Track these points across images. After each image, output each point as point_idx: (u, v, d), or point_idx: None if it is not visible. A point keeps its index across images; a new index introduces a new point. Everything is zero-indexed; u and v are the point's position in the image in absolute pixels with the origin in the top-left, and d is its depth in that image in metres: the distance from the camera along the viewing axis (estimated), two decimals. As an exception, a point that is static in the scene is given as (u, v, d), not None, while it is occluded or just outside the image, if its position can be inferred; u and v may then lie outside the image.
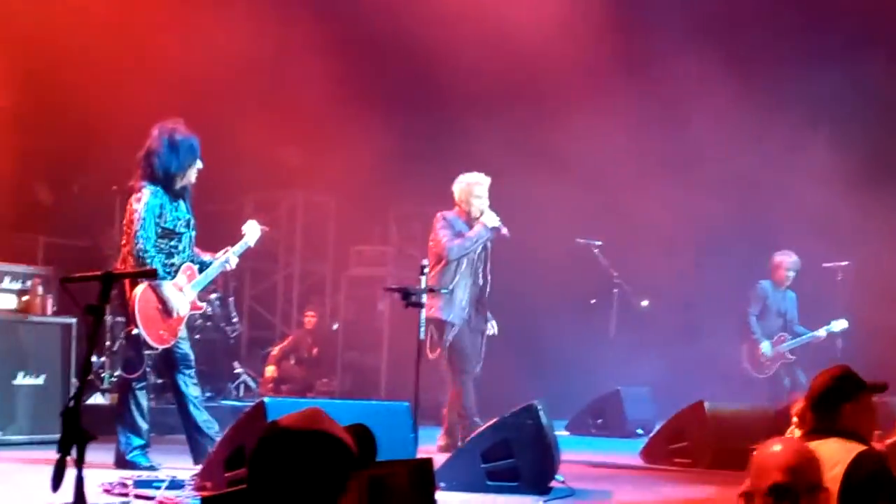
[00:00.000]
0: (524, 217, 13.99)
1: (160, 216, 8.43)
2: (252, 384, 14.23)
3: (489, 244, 10.58)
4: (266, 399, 7.31)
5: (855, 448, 4.52)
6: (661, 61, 13.61)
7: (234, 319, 13.79)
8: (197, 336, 12.36)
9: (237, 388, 14.05)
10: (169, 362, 8.70)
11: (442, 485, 7.72)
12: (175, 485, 7.29)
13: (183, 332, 8.71)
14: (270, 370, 14.42)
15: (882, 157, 13.39)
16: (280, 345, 14.86)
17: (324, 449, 2.97)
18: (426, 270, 8.72)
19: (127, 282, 8.35)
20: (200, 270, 8.81)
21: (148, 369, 8.78)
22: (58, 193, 13.61)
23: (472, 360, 10.48)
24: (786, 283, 13.15)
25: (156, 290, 8.43)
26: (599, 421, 12.79)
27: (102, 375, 11.93)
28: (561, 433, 10.57)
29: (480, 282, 10.53)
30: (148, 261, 8.26)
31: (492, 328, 10.73)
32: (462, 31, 13.20)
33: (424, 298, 8.54)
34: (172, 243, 8.55)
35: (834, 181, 13.03)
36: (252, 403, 8.13)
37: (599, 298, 13.95)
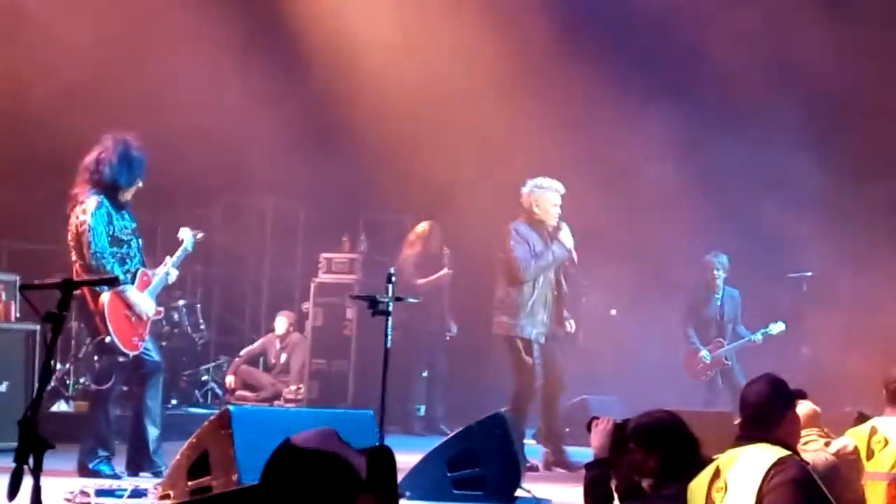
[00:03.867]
0: (491, 224, 14.04)
1: (109, 224, 8.37)
2: (219, 391, 14.19)
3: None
4: (231, 407, 7.28)
5: (777, 452, 4.68)
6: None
7: (202, 326, 13.73)
8: (164, 343, 12.32)
9: (204, 395, 14.00)
10: (140, 372, 8.64)
11: (407, 493, 7.71)
12: (137, 493, 7.26)
13: (151, 339, 8.68)
14: (230, 380, 14.37)
15: (849, 170, 13.46)
16: (247, 348, 14.82)
17: (329, 470, 3.06)
18: (394, 279, 8.67)
19: (88, 292, 8.30)
20: None
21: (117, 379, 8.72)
22: (22, 197, 13.52)
23: (539, 374, 10.16)
24: (718, 284, 13.21)
25: (121, 296, 8.38)
26: (567, 430, 12.76)
27: (67, 383, 11.87)
28: (528, 442, 10.57)
29: (557, 292, 10.26)
30: (108, 268, 8.21)
31: (570, 326, 10.45)
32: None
33: (391, 307, 8.50)
34: (123, 250, 8.49)
35: (796, 194, 13.16)
36: (218, 411, 8.11)
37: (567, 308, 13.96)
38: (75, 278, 8.29)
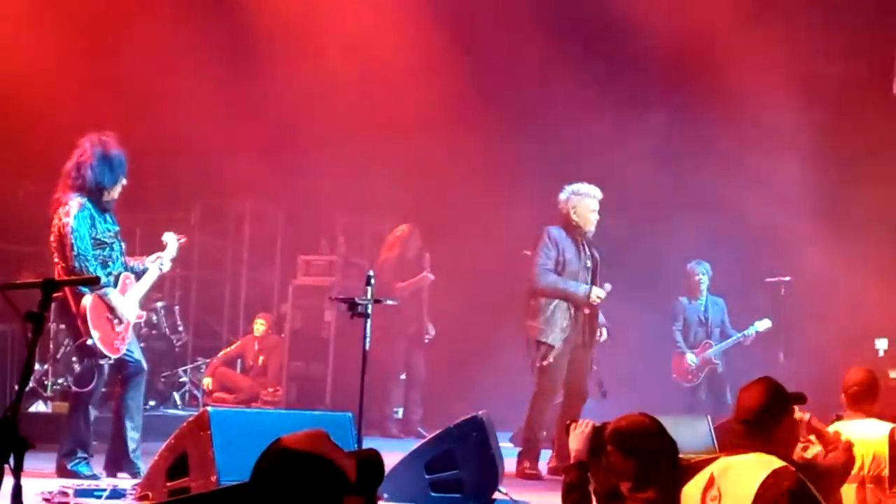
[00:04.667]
0: (470, 227, 14.08)
1: (92, 227, 8.38)
2: (197, 393, 14.17)
3: (599, 264, 10.23)
4: (209, 409, 7.29)
5: (772, 463, 4.63)
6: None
7: (180, 328, 13.72)
8: (142, 345, 12.27)
9: (182, 396, 13.98)
10: (123, 373, 8.66)
11: (385, 495, 7.73)
12: (116, 494, 7.26)
13: (133, 341, 8.68)
14: (207, 382, 14.33)
15: (835, 175, 13.51)
16: (224, 350, 14.81)
17: (318, 472, 3.06)
18: (373, 281, 8.69)
19: (70, 294, 8.31)
20: (137, 278, 8.77)
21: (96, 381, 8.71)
22: (2, 198, 13.50)
23: (558, 385, 10.18)
24: (701, 290, 13.38)
25: (103, 299, 8.38)
26: (544, 433, 12.78)
27: (45, 383, 11.85)
28: (505, 445, 10.57)
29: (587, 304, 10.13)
30: (91, 270, 8.22)
31: (602, 334, 10.40)
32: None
33: (370, 309, 8.52)
34: (105, 253, 8.50)
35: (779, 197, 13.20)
36: (195, 413, 8.12)
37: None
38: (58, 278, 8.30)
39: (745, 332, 13.19)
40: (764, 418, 4.79)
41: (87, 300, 8.32)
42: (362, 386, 8.33)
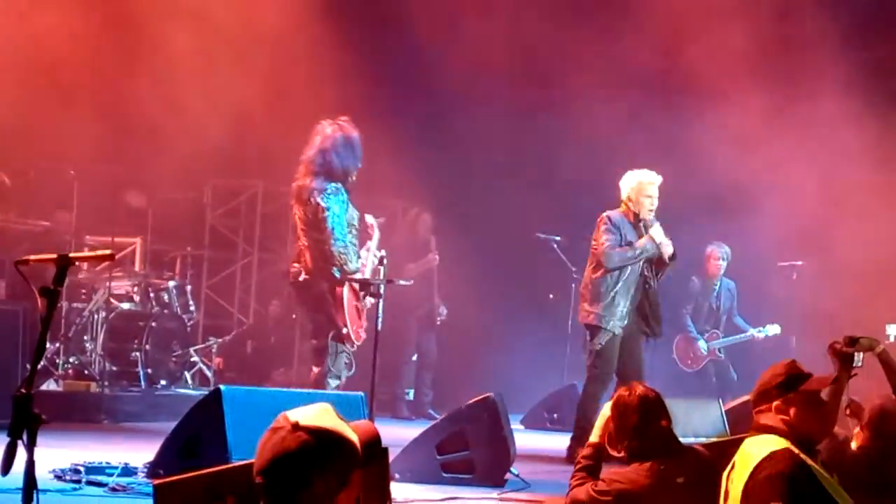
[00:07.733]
0: (485, 210, 14.07)
1: (346, 212, 8.47)
2: (208, 373, 14.18)
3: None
4: (222, 387, 7.29)
5: (773, 445, 4.48)
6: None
7: (191, 307, 13.72)
8: (153, 324, 12.34)
9: (193, 376, 13.99)
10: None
11: (396, 476, 7.74)
12: (127, 471, 7.27)
13: None
14: (218, 361, 14.35)
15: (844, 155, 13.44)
16: (235, 331, 14.85)
17: (331, 446, 3.03)
18: (385, 262, 8.69)
19: (326, 282, 8.49)
20: None
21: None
22: (14, 177, 13.50)
23: (613, 369, 9.88)
24: (718, 274, 13.35)
25: (353, 287, 8.51)
26: (555, 416, 12.79)
27: (57, 362, 11.86)
28: (516, 427, 10.58)
29: (648, 288, 9.96)
30: (348, 259, 8.36)
31: (654, 333, 10.16)
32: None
33: (382, 289, 8.52)
34: (354, 238, 8.57)
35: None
36: (206, 392, 8.14)
37: (558, 293, 13.96)
38: (310, 265, 8.43)
39: (755, 333, 13.17)
40: (767, 400, 4.62)
41: (344, 289, 8.44)
42: (374, 366, 8.33)
